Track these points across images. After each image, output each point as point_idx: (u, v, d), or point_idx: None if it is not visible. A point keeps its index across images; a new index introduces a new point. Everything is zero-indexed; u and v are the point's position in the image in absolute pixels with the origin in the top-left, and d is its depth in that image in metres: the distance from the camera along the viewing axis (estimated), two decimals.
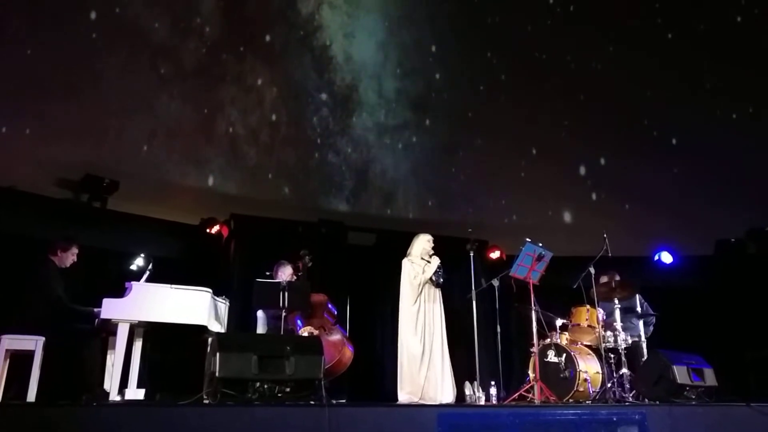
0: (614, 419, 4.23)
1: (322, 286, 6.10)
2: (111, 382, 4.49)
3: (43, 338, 4.50)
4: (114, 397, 4.44)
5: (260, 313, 5.82)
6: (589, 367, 5.84)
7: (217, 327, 5.03)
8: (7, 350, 4.48)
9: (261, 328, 5.80)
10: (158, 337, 5.31)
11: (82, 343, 4.71)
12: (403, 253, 5.89)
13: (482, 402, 5.53)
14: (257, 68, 8.80)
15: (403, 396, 5.34)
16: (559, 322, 6.22)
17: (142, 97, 7.82)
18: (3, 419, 3.35)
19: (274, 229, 7.75)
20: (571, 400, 5.59)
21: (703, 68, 8.97)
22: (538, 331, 5.75)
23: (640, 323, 6.23)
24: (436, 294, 5.65)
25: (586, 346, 6.21)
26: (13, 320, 4.63)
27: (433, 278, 5.60)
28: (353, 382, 6.73)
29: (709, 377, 5.32)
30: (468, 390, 5.67)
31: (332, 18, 9.29)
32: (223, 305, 5.27)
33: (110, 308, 4.53)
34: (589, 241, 6.53)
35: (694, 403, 5.01)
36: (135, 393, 4.84)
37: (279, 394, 4.06)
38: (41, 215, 6.51)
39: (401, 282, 5.62)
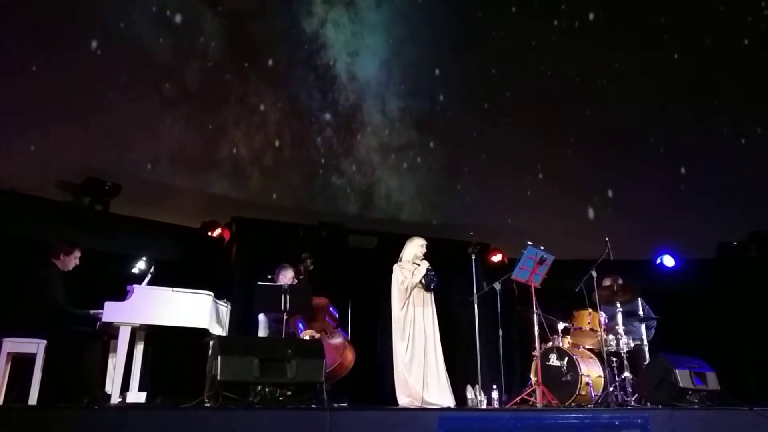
0: (616, 423, 4.21)
1: (323, 290, 6.09)
2: (112, 385, 4.49)
3: (45, 341, 4.50)
4: (115, 400, 4.44)
5: (262, 317, 5.82)
6: (591, 371, 5.83)
7: (219, 330, 5.02)
8: (8, 353, 4.49)
9: (262, 332, 5.79)
10: (160, 341, 5.31)
11: (83, 346, 4.71)
12: None
13: (484, 406, 5.52)
14: (261, 88, 8.79)
15: (404, 400, 5.33)
16: (561, 325, 6.21)
17: (145, 119, 7.83)
18: (4, 422, 3.35)
19: (275, 232, 7.75)
20: (573, 404, 5.58)
21: (709, 82, 8.97)
22: (539, 334, 5.74)
23: (642, 327, 6.22)
24: (427, 298, 5.61)
25: (588, 349, 6.20)
26: (15, 323, 4.64)
27: (423, 282, 5.57)
28: (354, 385, 6.73)
29: (712, 381, 5.31)
30: (470, 393, 5.66)
31: (336, 37, 9.31)
32: (225, 308, 5.26)
33: (112, 311, 4.53)
34: (591, 245, 6.52)
35: (696, 407, 4.99)
36: (136, 396, 4.84)
37: (280, 398, 4.05)
38: (44, 218, 6.52)
39: (392, 288, 5.62)
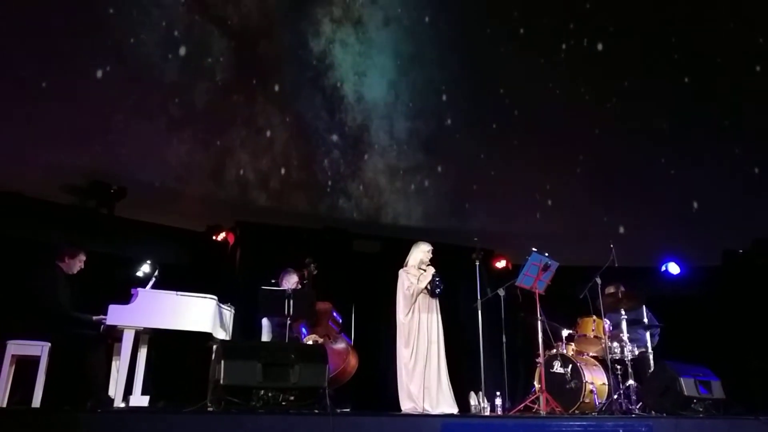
0: (620, 431, 4.19)
1: (327, 294, 6.09)
2: (116, 389, 4.50)
3: (49, 344, 4.51)
4: (118, 403, 4.45)
5: (265, 321, 5.82)
6: (596, 378, 5.80)
7: (222, 334, 5.03)
8: (13, 355, 4.50)
9: (266, 336, 5.79)
10: (163, 344, 5.31)
11: (87, 349, 4.71)
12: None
13: (487, 412, 5.49)
14: (268, 109, 8.77)
15: (407, 405, 5.31)
16: (565, 332, 6.18)
17: (152, 141, 7.85)
18: (8, 424, 3.36)
19: (279, 236, 7.75)
20: (577, 412, 5.54)
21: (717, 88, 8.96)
22: (543, 341, 5.71)
23: (647, 334, 6.18)
24: (432, 304, 5.59)
25: (593, 357, 6.17)
26: (19, 326, 4.65)
27: (428, 287, 5.55)
28: (358, 390, 6.70)
29: (717, 390, 5.28)
30: (473, 400, 5.64)
31: (344, 57, 9.30)
32: (228, 312, 5.27)
33: (116, 314, 4.54)
34: (595, 252, 6.50)
35: (701, 415, 4.96)
36: (139, 400, 4.83)
37: (283, 403, 4.05)
38: (49, 221, 6.54)
39: (397, 293, 5.60)
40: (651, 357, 6.04)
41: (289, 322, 5.19)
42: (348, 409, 5.35)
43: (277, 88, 8.83)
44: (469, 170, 9.39)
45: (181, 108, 8.07)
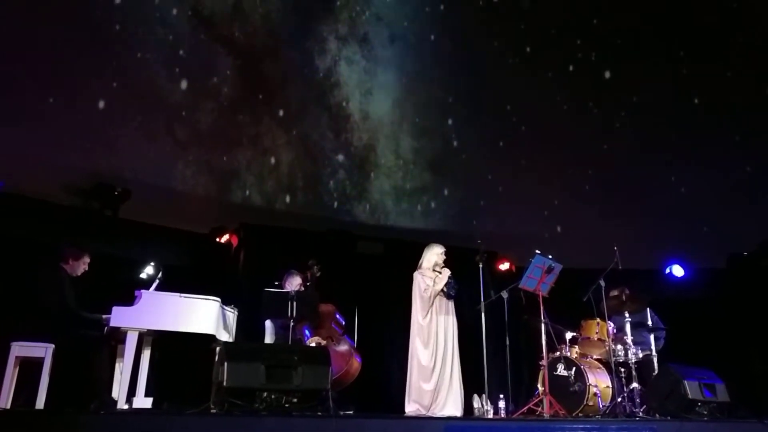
0: None
1: (330, 296, 6.10)
2: (119, 390, 4.51)
3: (53, 345, 4.52)
4: (122, 405, 4.45)
5: (268, 323, 5.82)
6: (599, 381, 5.79)
7: (226, 336, 5.03)
8: (17, 357, 4.51)
9: (269, 338, 5.79)
10: (167, 346, 5.32)
11: (91, 350, 4.73)
12: (411, 262, 5.87)
13: (490, 415, 5.48)
14: (273, 129, 8.73)
15: (411, 407, 5.31)
16: (568, 335, 6.17)
17: (157, 162, 7.86)
18: (12, 425, 3.37)
19: (283, 238, 7.76)
20: (580, 415, 5.53)
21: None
22: (547, 343, 5.71)
23: (651, 337, 6.16)
24: (449, 306, 5.61)
25: (596, 359, 6.15)
26: (24, 327, 4.66)
27: (445, 290, 5.56)
28: (361, 392, 6.69)
29: (721, 393, 5.25)
30: (476, 403, 5.63)
31: (349, 74, 9.26)
32: (232, 314, 5.27)
33: (120, 316, 4.55)
34: (599, 254, 6.48)
35: (705, 418, 4.93)
36: (143, 401, 4.86)
37: (286, 405, 4.05)
38: (53, 223, 6.55)
39: (412, 295, 5.59)
40: (655, 360, 6.02)
41: (292, 324, 5.19)
42: (351, 411, 5.35)
43: (283, 103, 8.78)
44: (476, 188, 9.34)
45: (187, 128, 8.07)
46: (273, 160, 8.73)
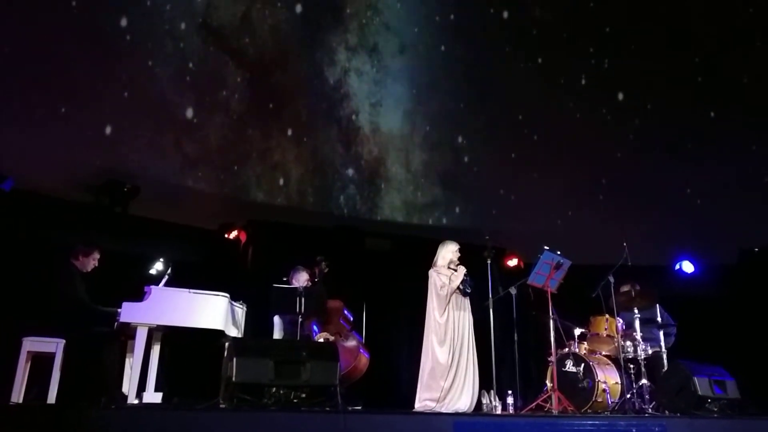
0: (633, 431, 4.16)
1: (338, 292, 6.10)
2: (129, 385, 4.54)
3: (64, 341, 4.57)
4: (132, 400, 4.48)
5: (277, 319, 5.84)
6: (608, 378, 5.76)
7: (234, 332, 5.05)
8: (28, 352, 4.57)
9: (277, 334, 5.81)
10: (176, 341, 5.34)
11: (101, 346, 4.77)
12: (419, 259, 5.86)
13: (499, 411, 5.47)
14: (283, 143, 8.68)
15: (420, 403, 5.30)
16: (577, 331, 6.15)
17: (165, 177, 7.86)
18: (24, 420, 3.40)
19: (291, 234, 7.78)
20: (589, 411, 5.51)
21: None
22: (556, 340, 5.69)
23: (661, 333, 6.13)
24: (465, 303, 5.59)
25: (605, 356, 6.12)
26: (36, 323, 4.71)
27: (461, 287, 5.55)
28: (369, 388, 6.70)
29: (732, 389, 5.22)
30: (485, 399, 5.61)
31: (359, 86, 9.18)
32: (241, 310, 5.29)
33: (130, 312, 4.58)
34: (608, 250, 6.45)
35: (716, 415, 4.90)
36: (153, 396, 4.88)
37: (295, 400, 4.06)
38: (63, 219, 6.60)
39: (429, 293, 5.59)
40: (665, 356, 5.98)
41: (300, 319, 5.20)
42: (359, 407, 5.36)
43: (293, 116, 8.71)
44: (488, 201, 9.28)
45: (196, 144, 8.06)
46: (282, 180, 8.66)
